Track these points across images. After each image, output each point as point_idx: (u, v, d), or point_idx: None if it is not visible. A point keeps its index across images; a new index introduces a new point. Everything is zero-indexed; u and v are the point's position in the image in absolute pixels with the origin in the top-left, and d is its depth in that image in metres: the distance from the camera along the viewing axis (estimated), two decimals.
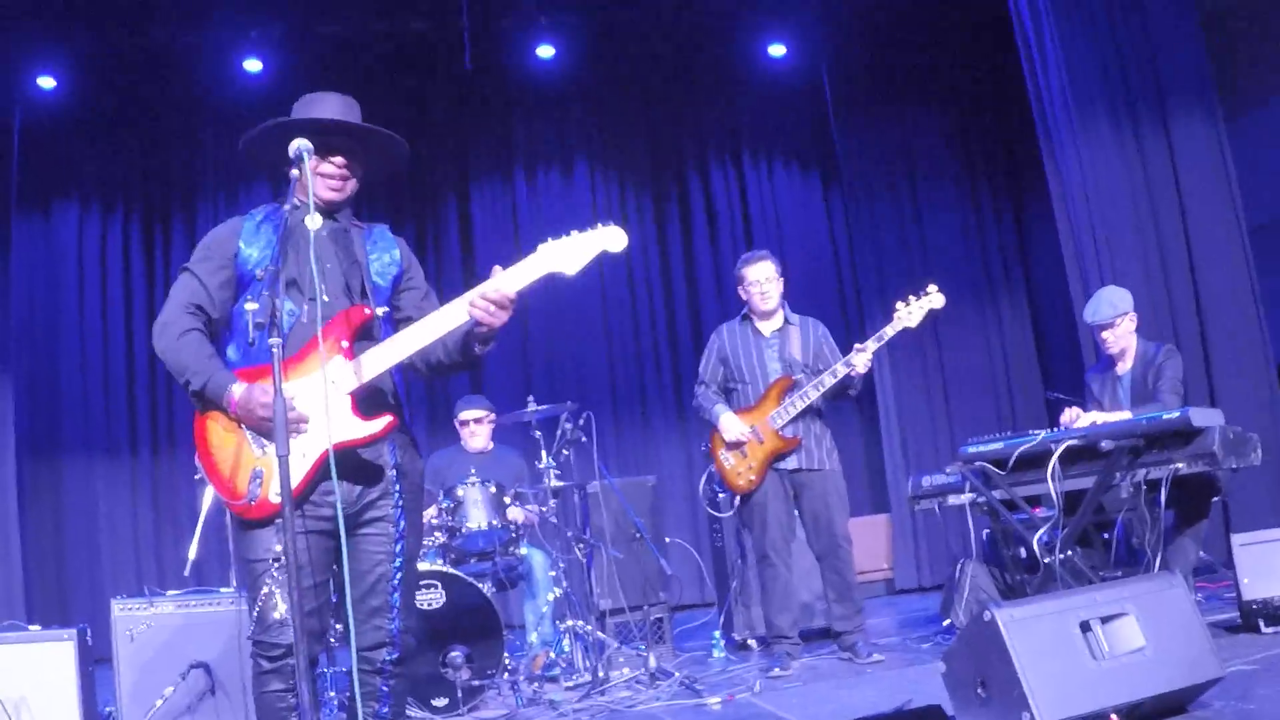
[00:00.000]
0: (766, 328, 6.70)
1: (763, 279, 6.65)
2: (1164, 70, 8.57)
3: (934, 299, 6.46)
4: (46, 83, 9.96)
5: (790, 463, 6.46)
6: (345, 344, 3.50)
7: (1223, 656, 4.19)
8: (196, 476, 3.53)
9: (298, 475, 3.37)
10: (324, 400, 3.38)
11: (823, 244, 11.71)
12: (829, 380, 6.40)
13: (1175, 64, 8.58)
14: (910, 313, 6.43)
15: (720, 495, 7.09)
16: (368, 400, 3.53)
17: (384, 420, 3.48)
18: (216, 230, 3.77)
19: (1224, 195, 8.38)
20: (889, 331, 6.43)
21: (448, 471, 7.41)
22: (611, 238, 3.59)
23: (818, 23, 10.97)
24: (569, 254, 3.54)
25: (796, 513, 6.61)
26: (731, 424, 6.49)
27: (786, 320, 6.74)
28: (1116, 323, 6.73)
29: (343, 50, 10.14)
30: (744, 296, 6.76)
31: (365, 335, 3.60)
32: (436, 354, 3.70)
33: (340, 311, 3.54)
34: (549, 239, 3.55)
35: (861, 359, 6.35)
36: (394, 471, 3.63)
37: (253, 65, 10.04)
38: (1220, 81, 8.75)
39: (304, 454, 3.38)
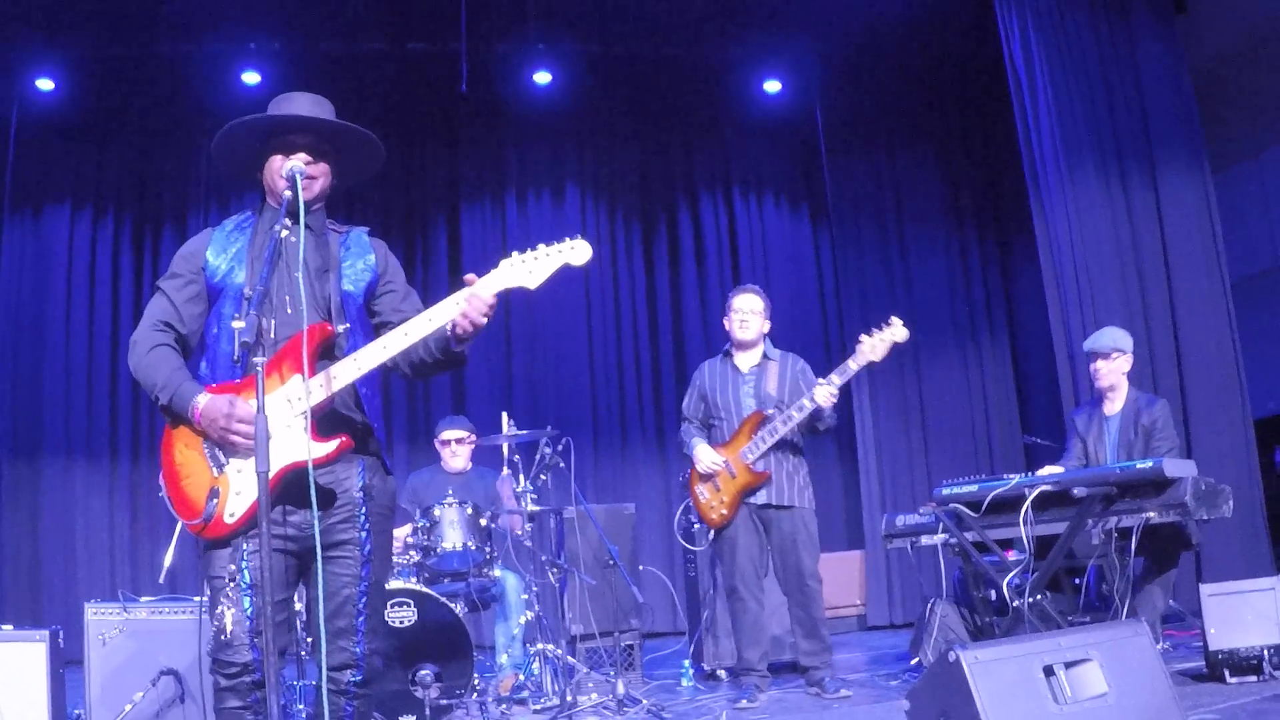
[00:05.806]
0: (744, 363, 6.70)
1: (745, 309, 6.66)
2: (1153, 121, 8.67)
3: (896, 331, 6.35)
4: (45, 85, 9.99)
5: (760, 497, 6.44)
6: (305, 362, 3.40)
7: (1185, 705, 4.22)
8: (160, 494, 3.48)
9: (251, 496, 3.34)
10: (279, 420, 3.37)
11: (809, 280, 11.78)
12: (796, 415, 6.37)
13: (1165, 116, 8.69)
14: (873, 346, 6.33)
15: (696, 527, 7.11)
16: (326, 421, 3.48)
17: (336, 441, 3.41)
18: (187, 244, 3.72)
19: (1208, 247, 8.48)
20: (853, 365, 6.36)
21: (425, 491, 7.42)
22: (575, 253, 3.58)
23: (814, 61, 11.05)
24: (530, 269, 3.54)
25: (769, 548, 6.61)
26: (705, 455, 6.50)
27: (766, 356, 6.71)
28: (1112, 356, 6.80)
29: (340, 67, 10.19)
30: (727, 326, 6.78)
31: (328, 352, 3.53)
32: (418, 353, 3.63)
33: (299, 331, 3.44)
34: (513, 253, 3.55)
35: (822, 393, 6.31)
36: (360, 494, 3.56)
37: (251, 78, 10.10)
38: (1209, 134, 8.85)
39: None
